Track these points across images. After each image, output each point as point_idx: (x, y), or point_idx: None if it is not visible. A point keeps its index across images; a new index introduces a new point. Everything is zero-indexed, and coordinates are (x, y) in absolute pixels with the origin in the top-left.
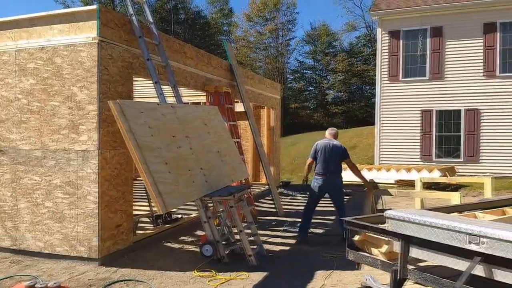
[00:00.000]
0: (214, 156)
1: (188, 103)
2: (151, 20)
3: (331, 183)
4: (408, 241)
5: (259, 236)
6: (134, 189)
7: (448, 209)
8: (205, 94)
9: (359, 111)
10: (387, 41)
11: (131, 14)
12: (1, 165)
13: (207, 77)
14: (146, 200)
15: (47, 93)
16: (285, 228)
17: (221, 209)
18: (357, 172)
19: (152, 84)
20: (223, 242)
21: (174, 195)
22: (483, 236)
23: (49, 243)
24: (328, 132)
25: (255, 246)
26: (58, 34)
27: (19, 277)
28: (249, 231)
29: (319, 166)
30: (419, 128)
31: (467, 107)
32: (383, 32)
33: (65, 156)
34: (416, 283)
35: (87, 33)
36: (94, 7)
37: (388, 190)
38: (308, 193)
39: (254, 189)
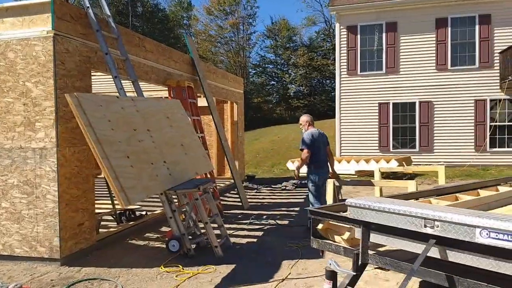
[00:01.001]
0: (177, 150)
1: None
2: (109, 13)
3: (327, 173)
4: (368, 227)
5: (224, 228)
6: (95, 186)
7: (405, 196)
8: (166, 89)
9: (320, 105)
10: (345, 36)
11: (87, 7)
12: None
13: (168, 71)
14: (108, 198)
15: (0, 89)
16: (251, 221)
17: (186, 202)
18: (333, 160)
19: (112, 79)
20: (189, 237)
21: (137, 189)
22: (437, 220)
23: (7, 245)
24: (311, 120)
25: (219, 240)
26: (10, 27)
27: None
28: (215, 225)
29: (318, 157)
30: (377, 120)
31: (421, 100)
32: (341, 27)
33: (21, 155)
34: (378, 268)
35: (41, 26)
36: None
37: (371, 180)
38: (310, 190)
39: (219, 184)
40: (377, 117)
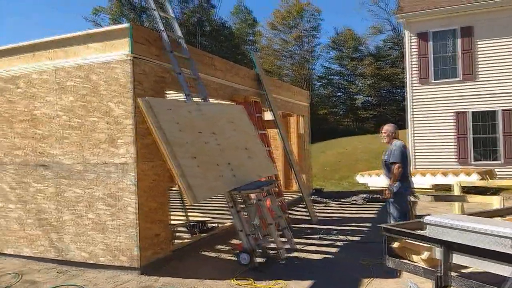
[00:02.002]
0: (241, 153)
1: None
2: (180, 35)
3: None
4: (449, 247)
5: (288, 230)
6: (169, 199)
7: (489, 214)
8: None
9: (391, 115)
10: (416, 43)
11: (162, 30)
12: (46, 179)
13: (235, 87)
14: (181, 210)
15: (86, 109)
16: (320, 236)
17: (249, 204)
18: None
19: (182, 97)
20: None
21: (203, 188)
22: None
23: (93, 254)
24: (396, 130)
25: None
26: (94, 52)
27: (66, 286)
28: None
29: (406, 171)
30: (453, 130)
31: (503, 108)
32: (410, 34)
33: (105, 169)
34: None
35: (120, 50)
36: (126, 25)
37: (450, 196)
38: (395, 204)
39: (286, 197)
40: (454, 127)
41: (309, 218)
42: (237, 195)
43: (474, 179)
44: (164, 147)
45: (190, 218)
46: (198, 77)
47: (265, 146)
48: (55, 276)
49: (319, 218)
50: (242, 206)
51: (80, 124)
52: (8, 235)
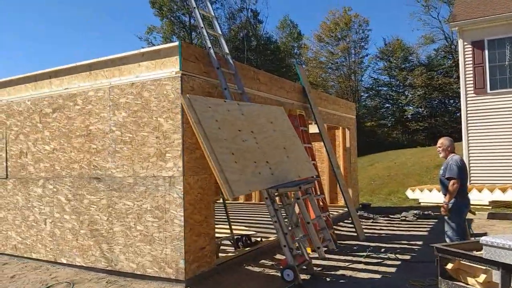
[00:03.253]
0: (280, 152)
1: None
2: (227, 52)
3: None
4: (509, 270)
5: (327, 231)
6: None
7: None
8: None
9: (443, 127)
10: (470, 52)
11: (209, 48)
12: (99, 191)
13: (280, 101)
14: (226, 223)
15: (137, 124)
16: (368, 253)
17: (287, 203)
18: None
19: None
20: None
21: (240, 183)
22: None
23: (140, 265)
24: (453, 144)
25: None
26: (145, 70)
27: None
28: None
29: (465, 188)
30: None
31: None
32: (465, 43)
33: (153, 182)
34: None
35: (170, 67)
36: (176, 43)
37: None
38: (451, 223)
39: (332, 212)
40: None
41: (356, 234)
42: (275, 193)
43: None
44: (202, 142)
45: (235, 232)
46: (243, 92)
47: (310, 160)
48: (105, 286)
49: (366, 234)
50: (280, 205)
51: (131, 138)
52: (62, 245)
